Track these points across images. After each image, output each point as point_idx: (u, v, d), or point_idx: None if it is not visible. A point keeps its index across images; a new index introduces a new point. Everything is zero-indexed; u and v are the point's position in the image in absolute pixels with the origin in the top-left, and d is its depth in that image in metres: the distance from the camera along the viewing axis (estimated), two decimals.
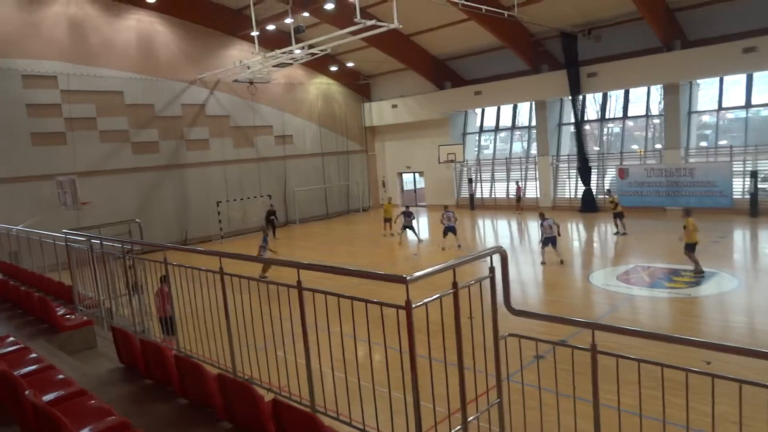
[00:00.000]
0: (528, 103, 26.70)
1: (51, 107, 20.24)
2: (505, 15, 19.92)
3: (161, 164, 23.30)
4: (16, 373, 3.91)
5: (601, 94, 24.80)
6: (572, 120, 24.43)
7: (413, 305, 3.23)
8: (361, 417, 3.86)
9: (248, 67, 22.28)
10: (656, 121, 23.81)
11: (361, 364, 4.32)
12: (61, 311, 6.56)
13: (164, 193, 23.46)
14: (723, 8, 19.39)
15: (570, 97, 23.74)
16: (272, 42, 23.10)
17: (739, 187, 20.66)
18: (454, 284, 3.51)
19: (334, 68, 29.13)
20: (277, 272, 13.24)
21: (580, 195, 24.65)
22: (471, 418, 3.67)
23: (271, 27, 23.52)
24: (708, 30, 20.18)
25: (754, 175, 19.92)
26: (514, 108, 27.81)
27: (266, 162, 27.02)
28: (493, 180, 28.46)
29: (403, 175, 32.66)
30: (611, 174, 24.17)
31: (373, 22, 16.83)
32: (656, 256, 15.30)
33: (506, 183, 27.56)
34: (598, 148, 25.25)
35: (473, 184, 28.43)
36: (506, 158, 28.13)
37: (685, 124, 22.14)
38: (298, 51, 20.67)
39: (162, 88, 23.22)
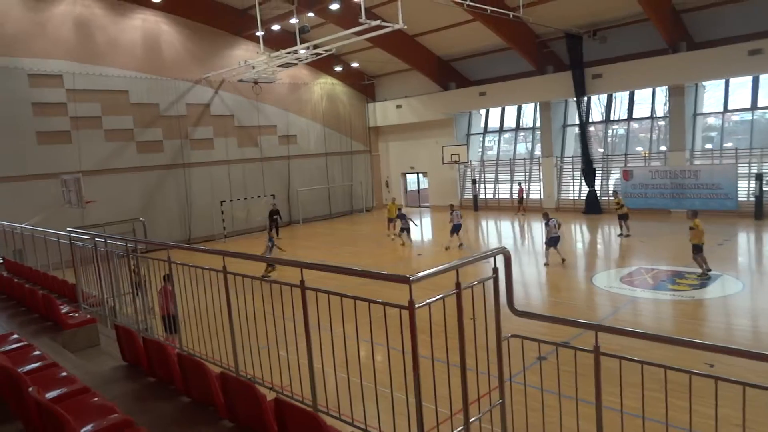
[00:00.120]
0: (532, 104, 26.66)
1: (57, 106, 20.32)
2: (511, 16, 19.89)
3: (165, 163, 23.37)
4: (19, 370, 3.92)
5: (605, 96, 24.74)
6: (577, 121, 24.39)
7: (416, 305, 3.22)
8: (363, 417, 3.86)
9: (253, 67, 22.33)
10: (661, 123, 23.74)
11: (364, 364, 4.32)
12: (64, 309, 6.58)
13: (168, 192, 23.52)
14: (729, 10, 19.32)
15: (575, 99, 23.69)
16: (277, 42, 23.14)
17: (744, 189, 20.57)
18: (458, 285, 3.51)
19: (338, 68, 29.16)
20: (281, 272, 13.26)
21: (583, 197, 24.59)
22: (473, 419, 3.67)
23: (276, 27, 23.55)
24: (714, 32, 20.11)
25: (759, 177, 19.84)
26: (519, 109, 27.77)
27: (270, 162, 27.06)
28: (496, 181, 28.44)
29: (407, 175, 32.65)
30: (616, 176, 24.10)
31: (378, 22, 16.84)
32: (660, 259, 15.25)
33: (510, 184, 27.52)
34: (602, 150, 25.18)
35: (477, 184, 28.41)
36: (510, 159, 28.09)
37: (691, 126, 22.07)
38: (302, 51, 20.71)
39: (167, 87, 23.29)
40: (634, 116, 24.54)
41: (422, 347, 3.28)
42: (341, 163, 30.59)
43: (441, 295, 3.51)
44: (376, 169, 32.56)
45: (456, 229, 18.32)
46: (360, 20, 16.23)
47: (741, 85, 21.46)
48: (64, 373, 4.26)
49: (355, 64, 29.46)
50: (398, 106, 30.19)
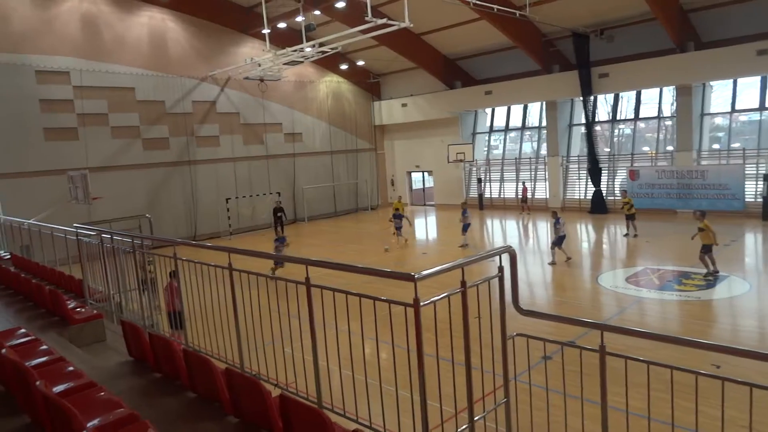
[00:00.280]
0: (538, 104, 26.58)
1: (64, 103, 20.42)
2: (517, 14, 19.83)
3: (171, 160, 23.45)
4: (27, 364, 3.95)
5: (612, 95, 24.63)
6: (583, 121, 24.29)
7: (421, 303, 3.22)
8: (368, 415, 3.87)
9: (259, 65, 22.35)
10: (668, 122, 23.62)
11: (368, 361, 4.32)
12: (71, 304, 6.62)
13: (174, 189, 23.60)
14: (737, 10, 19.19)
15: (581, 98, 23.60)
16: (283, 40, 23.16)
17: (752, 190, 20.45)
18: (463, 283, 3.50)
19: (344, 66, 29.15)
20: (286, 269, 13.29)
21: (589, 196, 24.51)
22: (478, 417, 3.67)
23: (282, 25, 23.59)
24: (722, 31, 19.97)
25: (767, 178, 19.72)
26: (525, 108, 27.69)
27: (275, 159, 27.10)
28: (502, 180, 28.37)
29: (412, 174, 32.63)
30: (622, 175, 24.01)
31: (384, 20, 16.80)
32: (666, 259, 15.18)
33: (515, 183, 27.46)
34: (608, 150, 25.09)
35: (482, 183, 28.35)
36: (516, 158, 28.02)
37: (698, 126, 21.94)
38: (308, 49, 20.71)
39: (173, 84, 23.36)
40: (641, 116, 24.42)
41: (427, 345, 3.28)
42: (346, 161, 30.61)
43: (446, 294, 3.51)
44: (381, 167, 32.56)
45: (465, 228, 18.35)
46: (366, 18, 16.21)
47: (749, 85, 21.32)
48: (71, 368, 4.28)
49: (360, 63, 29.45)
50: (404, 105, 30.16)
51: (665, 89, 22.96)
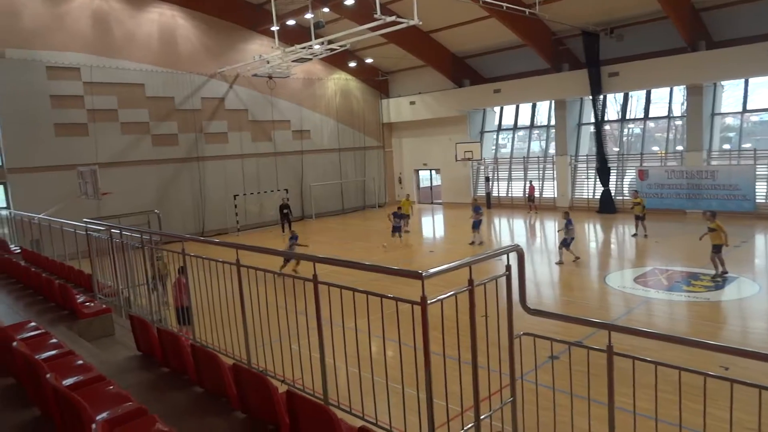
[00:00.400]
0: (547, 102, 26.46)
1: (74, 98, 20.55)
2: (527, 13, 19.74)
3: (180, 157, 23.56)
4: (37, 357, 3.99)
5: (622, 94, 24.47)
6: (592, 120, 24.16)
7: (428, 301, 3.23)
8: (374, 412, 3.88)
9: (268, 62, 22.40)
10: (678, 122, 23.44)
11: (375, 359, 4.33)
12: (80, 299, 6.68)
13: (182, 185, 23.72)
14: (750, 9, 18.99)
15: (590, 97, 23.47)
16: (292, 37, 23.20)
17: (763, 191, 20.27)
18: (470, 281, 3.50)
19: (352, 64, 29.15)
20: (293, 266, 13.32)
21: (598, 196, 24.39)
22: (484, 416, 3.67)
23: (291, 22, 23.60)
24: (734, 31, 19.78)
25: None
26: (533, 107, 27.57)
27: (283, 156, 27.16)
28: (510, 179, 28.28)
29: (420, 172, 32.60)
30: (631, 175, 23.87)
31: (393, 18, 16.78)
32: (675, 260, 15.08)
33: (523, 182, 27.36)
34: (617, 149, 24.93)
35: (490, 182, 28.27)
36: (524, 157, 27.92)
37: (708, 126, 21.76)
38: (317, 46, 20.72)
39: (182, 81, 23.45)
40: (651, 115, 24.25)
41: (434, 343, 3.28)
42: (354, 159, 30.62)
43: (453, 292, 3.51)
44: (389, 165, 32.55)
45: (475, 225, 18.31)
46: (375, 16, 16.20)
47: (761, 85, 21.10)
48: (80, 362, 4.32)
49: (369, 60, 29.43)
50: (412, 103, 30.12)
51: (675, 89, 22.78)
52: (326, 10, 22.45)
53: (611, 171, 23.87)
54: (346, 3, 21.00)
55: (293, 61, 22.42)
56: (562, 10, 20.83)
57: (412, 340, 3.39)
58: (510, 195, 28.04)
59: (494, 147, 29.47)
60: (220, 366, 3.97)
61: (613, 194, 23.86)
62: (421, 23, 17.41)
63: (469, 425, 3.56)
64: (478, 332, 3.56)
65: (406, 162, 32.42)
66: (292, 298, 4.55)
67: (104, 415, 3.28)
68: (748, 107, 21.56)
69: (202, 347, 4.54)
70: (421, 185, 32.95)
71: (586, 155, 25.43)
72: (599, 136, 23.75)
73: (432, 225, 25.92)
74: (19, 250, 12.21)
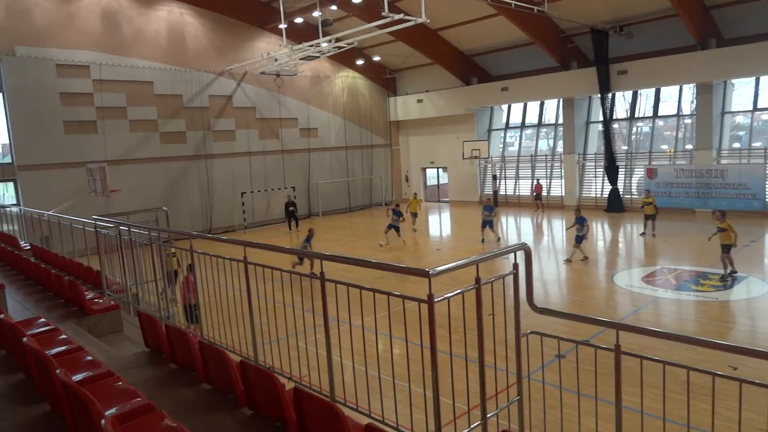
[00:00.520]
0: (555, 101, 26.34)
1: (83, 96, 20.68)
2: (535, 10, 19.64)
3: (188, 154, 23.65)
4: (47, 352, 4.03)
5: (630, 93, 24.32)
6: (600, 118, 24.02)
7: (435, 299, 3.22)
8: (381, 410, 3.88)
9: (275, 60, 22.44)
10: (687, 121, 23.25)
11: (382, 357, 4.34)
12: (89, 295, 6.73)
13: (190, 182, 23.82)
14: (761, 6, 18.79)
15: (599, 95, 23.34)
16: (300, 35, 23.21)
17: None
18: (477, 280, 3.50)
19: (360, 62, 29.14)
20: (305, 266, 13.38)
21: (606, 194, 24.26)
22: (490, 414, 3.66)
23: (299, 20, 23.61)
24: (745, 28, 19.59)
25: None
26: (541, 105, 27.45)
27: (291, 154, 27.21)
28: (517, 177, 28.19)
29: (427, 170, 32.56)
30: (639, 174, 23.72)
31: (400, 16, 16.76)
32: (683, 259, 14.99)
33: (531, 180, 27.26)
34: (626, 148, 24.78)
35: (497, 180, 28.19)
36: (531, 155, 27.81)
37: (718, 124, 21.58)
38: (325, 44, 20.74)
39: (190, 79, 23.54)
40: (660, 114, 24.07)
41: (440, 342, 3.28)
42: (361, 157, 30.62)
43: (460, 290, 3.51)
44: (396, 163, 32.54)
45: (485, 224, 18.31)
46: (383, 13, 16.18)
47: None
48: (89, 357, 4.36)
49: (376, 58, 29.41)
50: (419, 101, 30.08)
51: (685, 87, 22.60)
52: (334, 7, 22.46)
53: (619, 170, 23.74)
54: (353, 1, 20.98)
55: (301, 58, 22.46)
56: (571, 8, 20.71)
57: (419, 338, 3.39)
58: (517, 193, 27.96)
59: (502, 145, 29.37)
60: (228, 363, 3.99)
61: (621, 193, 23.72)
62: (428, 21, 17.36)
63: (476, 424, 3.56)
64: (485, 330, 3.55)
65: (413, 160, 32.39)
66: (299, 295, 4.56)
67: (113, 410, 3.31)
68: (759, 105, 21.35)
69: (210, 344, 4.56)
70: (428, 183, 32.91)
71: (595, 153, 25.30)
72: (608, 135, 23.62)
73: (439, 223, 25.89)
74: (29, 247, 12.32)
